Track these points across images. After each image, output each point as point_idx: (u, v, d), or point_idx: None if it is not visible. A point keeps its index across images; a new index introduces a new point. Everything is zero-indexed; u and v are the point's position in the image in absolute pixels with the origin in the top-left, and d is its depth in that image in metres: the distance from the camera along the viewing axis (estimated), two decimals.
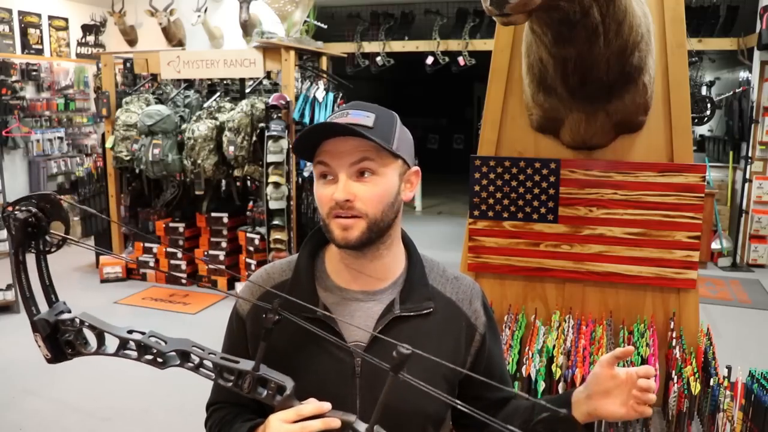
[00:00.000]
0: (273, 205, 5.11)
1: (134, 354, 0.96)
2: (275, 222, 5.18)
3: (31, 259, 0.97)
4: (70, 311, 1.00)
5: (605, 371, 1.08)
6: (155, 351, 0.95)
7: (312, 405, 0.93)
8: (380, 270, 1.12)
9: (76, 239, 0.99)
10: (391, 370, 0.86)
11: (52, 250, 1.00)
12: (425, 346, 1.07)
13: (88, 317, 0.98)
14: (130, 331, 0.96)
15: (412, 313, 1.10)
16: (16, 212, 0.95)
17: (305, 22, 5.83)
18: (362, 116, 1.04)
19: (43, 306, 1.00)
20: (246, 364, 0.94)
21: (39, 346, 0.97)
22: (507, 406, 1.22)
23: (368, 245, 1.07)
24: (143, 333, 0.96)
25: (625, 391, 1.07)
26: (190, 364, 0.96)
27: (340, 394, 1.03)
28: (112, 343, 0.99)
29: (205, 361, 0.95)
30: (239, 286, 5.38)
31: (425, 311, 1.12)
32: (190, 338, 0.98)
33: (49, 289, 1.01)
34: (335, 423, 0.90)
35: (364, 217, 1.04)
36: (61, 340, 0.97)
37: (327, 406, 0.93)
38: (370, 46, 8.14)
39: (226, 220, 5.72)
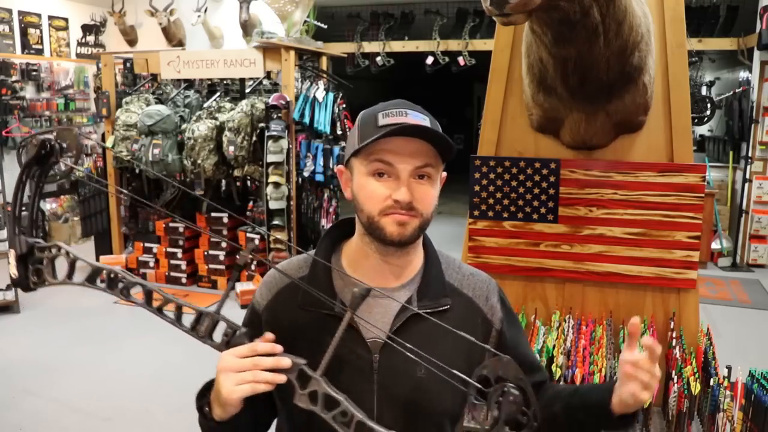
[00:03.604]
0: (273, 205, 5.11)
1: (103, 285, 0.99)
2: (275, 222, 5.18)
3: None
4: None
5: (625, 355, 1.09)
6: (123, 284, 0.98)
7: (266, 344, 0.94)
8: (402, 267, 1.14)
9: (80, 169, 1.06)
10: (349, 307, 0.90)
11: (58, 178, 1.05)
12: (442, 343, 1.08)
13: (64, 246, 1.01)
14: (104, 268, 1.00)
15: (429, 310, 1.11)
16: (34, 141, 1.00)
17: (305, 22, 5.83)
18: (421, 119, 1.06)
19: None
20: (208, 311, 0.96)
21: (9, 263, 1.00)
22: (543, 390, 1.23)
23: (412, 242, 1.09)
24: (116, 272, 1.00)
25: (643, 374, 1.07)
26: (154, 307, 0.98)
27: (356, 389, 1.03)
28: (83, 274, 1.01)
29: (168, 303, 0.98)
30: (240, 287, 5.37)
31: (442, 308, 1.13)
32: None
33: (33, 224, 1.04)
34: (286, 362, 0.92)
35: (419, 216, 1.06)
36: (31, 268, 1.00)
37: (279, 348, 0.94)
38: (370, 46, 8.14)
39: (226, 220, 5.72)
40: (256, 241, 5.45)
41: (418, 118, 1.06)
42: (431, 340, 1.08)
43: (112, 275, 0.98)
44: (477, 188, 2.35)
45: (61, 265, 1.01)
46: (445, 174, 1.15)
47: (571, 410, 1.16)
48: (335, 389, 0.89)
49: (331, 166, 5.23)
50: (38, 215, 1.05)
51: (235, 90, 6.02)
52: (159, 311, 0.97)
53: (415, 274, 1.15)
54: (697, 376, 2.00)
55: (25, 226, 1.00)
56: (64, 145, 1.01)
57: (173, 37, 7.74)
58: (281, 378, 0.91)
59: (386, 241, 1.06)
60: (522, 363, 1.19)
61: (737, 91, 7.02)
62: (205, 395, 1.05)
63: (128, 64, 6.42)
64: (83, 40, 8.26)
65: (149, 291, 0.98)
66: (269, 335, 0.96)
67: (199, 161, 5.37)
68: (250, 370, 0.91)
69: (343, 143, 5.36)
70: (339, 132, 5.46)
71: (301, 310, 1.10)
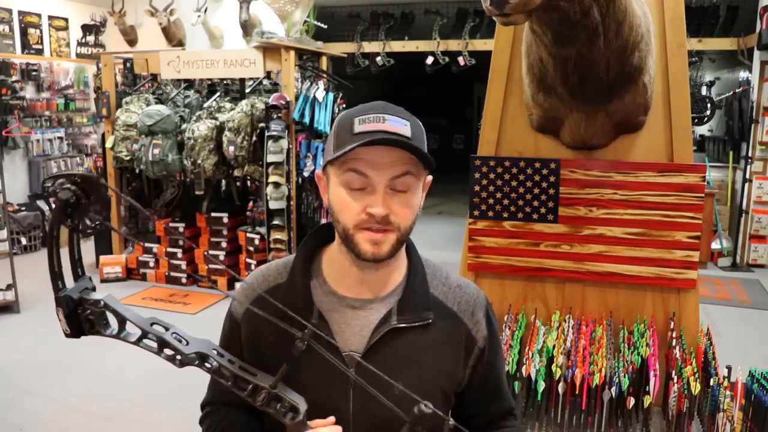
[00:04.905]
0: (273, 205, 5.11)
1: (154, 346, 0.95)
2: (275, 222, 5.18)
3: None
4: (94, 288, 0.99)
5: None
6: (175, 348, 0.94)
7: (327, 430, 0.93)
8: (382, 278, 1.08)
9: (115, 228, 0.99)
10: (410, 422, 0.86)
11: (88, 232, 0.98)
12: (422, 359, 1.05)
13: (112, 301, 0.96)
14: (152, 324, 0.95)
15: (409, 325, 1.06)
16: (58, 190, 0.94)
17: (305, 22, 5.83)
18: (401, 125, 0.98)
19: (68, 279, 0.98)
20: (264, 379, 0.94)
21: (59, 320, 0.96)
22: (506, 420, 1.20)
23: (389, 258, 1.03)
24: (166, 328, 0.95)
25: None
26: (208, 366, 0.95)
27: (333, 402, 1.02)
28: (133, 331, 0.97)
29: (222, 368, 0.94)
30: (239, 287, 5.37)
31: (423, 322, 1.07)
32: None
33: (77, 263, 1.00)
34: None
35: (396, 230, 1.00)
36: (82, 316, 0.96)
37: (338, 429, 0.94)
38: (370, 46, 8.14)
39: (226, 220, 5.72)
40: (256, 241, 5.45)
41: (398, 123, 0.98)
42: (412, 355, 1.04)
43: (163, 339, 0.94)
44: (477, 188, 2.35)
45: (111, 319, 0.99)
46: (430, 178, 1.08)
47: None
48: None
49: None
50: (80, 256, 1.02)
51: (235, 90, 6.02)
52: (213, 372, 0.96)
53: (396, 285, 1.10)
54: (697, 376, 2.00)
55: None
56: (89, 194, 0.96)
57: (173, 37, 7.74)
58: None
59: (360, 257, 1.00)
60: (487, 388, 1.15)
61: (737, 91, 7.02)
62: None
63: (128, 64, 6.42)
64: (83, 40, 8.26)
65: (203, 356, 0.95)
66: (330, 419, 0.96)
67: (199, 161, 5.37)
68: None
69: None
70: None
71: (278, 319, 1.05)
